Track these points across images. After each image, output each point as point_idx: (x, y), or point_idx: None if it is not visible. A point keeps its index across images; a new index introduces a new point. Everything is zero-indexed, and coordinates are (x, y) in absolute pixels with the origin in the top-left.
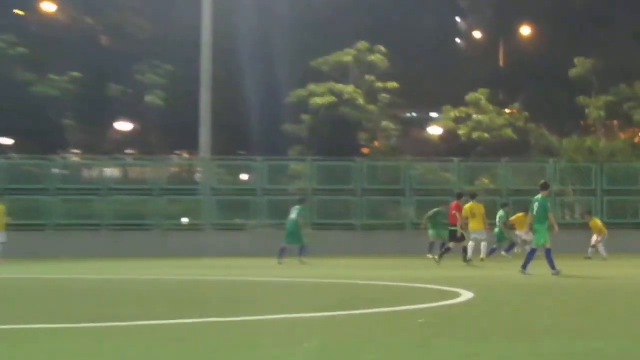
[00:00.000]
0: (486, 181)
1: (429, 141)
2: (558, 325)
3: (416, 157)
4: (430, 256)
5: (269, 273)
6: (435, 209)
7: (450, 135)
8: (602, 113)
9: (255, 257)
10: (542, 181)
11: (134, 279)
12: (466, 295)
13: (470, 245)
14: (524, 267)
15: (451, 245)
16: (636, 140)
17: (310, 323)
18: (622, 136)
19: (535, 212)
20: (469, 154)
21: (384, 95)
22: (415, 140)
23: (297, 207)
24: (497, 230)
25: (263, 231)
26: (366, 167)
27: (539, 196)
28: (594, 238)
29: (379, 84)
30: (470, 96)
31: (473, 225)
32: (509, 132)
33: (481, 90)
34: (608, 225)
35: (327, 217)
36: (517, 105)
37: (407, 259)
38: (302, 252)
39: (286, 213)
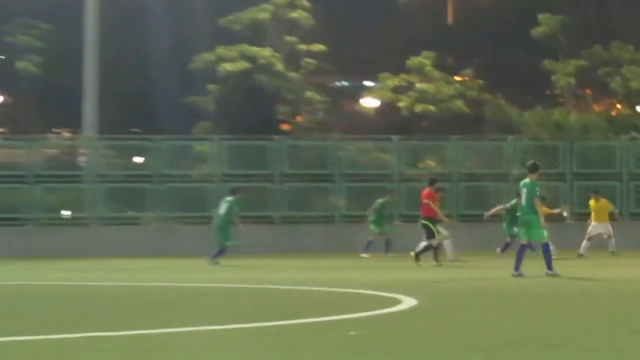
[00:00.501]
0: (432, 163)
1: (362, 115)
2: (521, 337)
3: (347, 135)
4: (365, 255)
5: (168, 277)
6: (381, 200)
7: (388, 109)
8: (572, 80)
9: (153, 257)
10: (530, 162)
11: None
12: (408, 302)
13: (447, 242)
14: (548, 268)
15: (433, 242)
16: (613, 113)
17: (217, 337)
18: (596, 108)
19: (524, 201)
20: (411, 130)
21: (307, 60)
22: (346, 114)
23: (229, 198)
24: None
25: (162, 225)
26: (286, 147)
27: (527, 180)
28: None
29: (302, 47)
30: (413, 61)
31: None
32: (459, 104)
33: (426, 53)
34: (579, 216)
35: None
36: (469, 71)
37: (337, 258)
38: (219, 253)
39: (190, 203)
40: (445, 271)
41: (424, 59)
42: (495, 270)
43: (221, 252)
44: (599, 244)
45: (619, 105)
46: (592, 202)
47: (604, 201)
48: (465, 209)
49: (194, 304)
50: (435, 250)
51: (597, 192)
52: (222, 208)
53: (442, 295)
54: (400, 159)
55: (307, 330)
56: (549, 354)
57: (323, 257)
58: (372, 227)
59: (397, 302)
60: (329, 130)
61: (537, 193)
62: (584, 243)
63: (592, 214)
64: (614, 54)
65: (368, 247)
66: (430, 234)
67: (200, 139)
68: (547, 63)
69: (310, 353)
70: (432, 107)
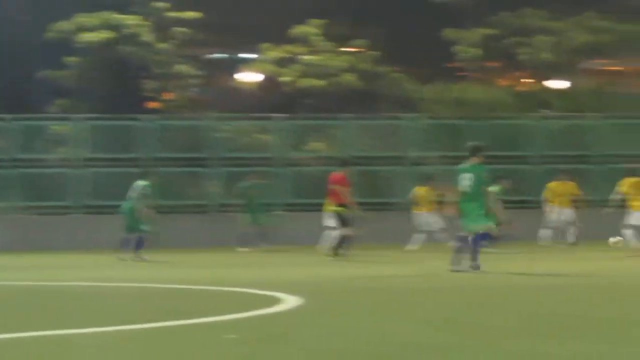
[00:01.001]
0: (319, 145)
1: (241, 92)
2: (413, 340)
3: (224, 113)
4: (242, 249)
5: (22, 276)
6: (247, 183)
7: (270, 84)
8: (477, 51)
9: (5, 253)
10: (472, 143)
11: None
12: (292, 302)
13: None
14: (473, 259)
15: (346, 232)
16: (521, 88)
17: (72, 342)
18: (503, 83)
19: (468, 187)
20: (295, 108)
21: (179, 29)
22: (222, 90)
23: (141, 183)
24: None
25: (14, 217)
26: (155, 127)
27: (471, 164)
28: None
29: (173, 14)
30: (298, 30)
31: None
32: (350, 78)
33: (312, 21)
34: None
35: (101, 197)
36: (362, 42)
37: (215, 252)
38: (139, 245)
39: (46, 191)
40: (337, 267)
41: (310, 28)
42: (397, 266)
43: (140, 243)
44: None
45: (527, 80)
46: (554, 185)
47: (570, 185)
48: (360, 196)
49: (44, 305)
50: (341, 243)
51: (565, 173)
52: (133, 192)
53: (331, 293)
54: (284, 141)
55: (177, 333)
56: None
57: (198, 251)
58: (244, 216)
59: (280, 301)
60: (203, 108)
61: (485, 178)
62: (543, 231)
63: (554, 198)
64: (527, 20)
65: (244, 239)
66: (344, 223)
67: (57, 119)
68: (449, 32)
69: (179, 359)
70: (319, 82)
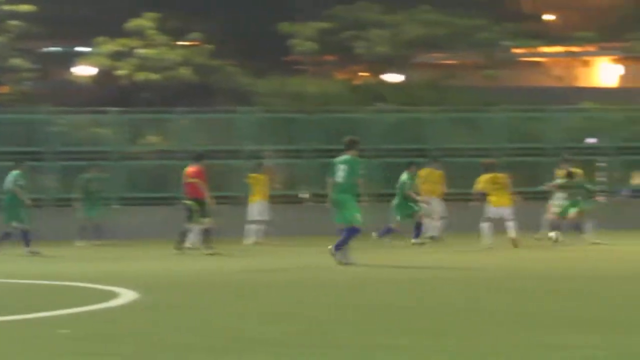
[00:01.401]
0: (155, 139)
1: (76, 85)
2: (256, 337)
3: (58, 107)
4: (80, 243)
5: None
6: (86, 175)
7: (106, 77)
8: (312, 45)
9: None
10: (349, 137)
11: None
12: (129, 296)
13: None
14: (337, 249)
15: (199, 226)
16: (357, 81)
17: None
18: (339, 76)
19: (342, 179)
20: (131, 102)
21: (13, 22)
22: (57, 84)
23: (14, 173)
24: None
25: None
26: None
27: (347, 157)
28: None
29: (7, 7)
30: (133, 23)
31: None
32: (185, 71)
33: (148, 14)
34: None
35: None
36: (197, 35)
37: (52, 246)
38: (26, 238)
39: None
40: (176, 261)
41: (145, 21)
42: (246, 260)
43: (25, 236)
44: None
45: (363, 73)
46: (425, 172)
47: (438, 173)
48: None
49: None
50: (204, 236)
51: (434, 162)
52: (9, 182)
53: (168, 288)
54: (119, 134)
55: (9, 329)
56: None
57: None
58: (80, 209)
59: (115, 295)
60: (38, 101)
61: (359, 171)
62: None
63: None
64: (360, 14)
65: (83, 233)
66: (195, 217)
67: None
68: (284, 26)
69: (9, 356)
70: (155, 76)
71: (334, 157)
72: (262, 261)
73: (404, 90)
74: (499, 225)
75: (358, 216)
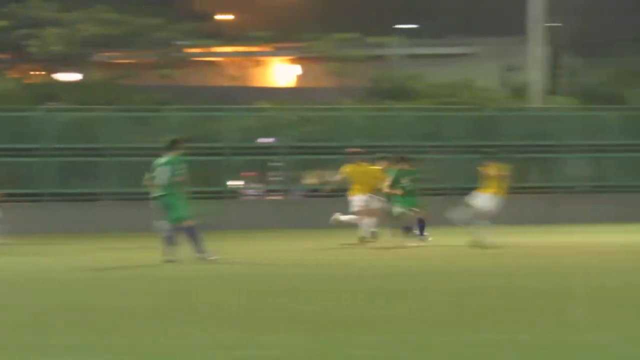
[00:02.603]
0: None
1: None
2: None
3: None
4: None
5: None
6: None
7: None
8: None
9: None
10: (171, 137)
11: None
12: None
13: None
14: (198, 252)
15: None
16: (30, 80)
17: None
18: (14, 75)
19: (165, 180)
20: None
21: None
22: None
23: None
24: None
25: None
26: None
27: (169, 158)
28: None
29: None
30: None
31: None
32: None
33: None
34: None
35: None
36: None
37: None
38: None
39: None
40: None
41: None
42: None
43: None
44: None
45: (38, 72)
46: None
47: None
48: None
49: None
50: None
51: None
52: None
53: None
54: None
55: None
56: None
57: None
58: None
59: None
60: None
61: (182, 171)
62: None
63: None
64: (34, 13)
65: None
66: None
67: None
68: None
69: None
70: None
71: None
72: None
73: (80, 89)
74: None
75: (186, 213)
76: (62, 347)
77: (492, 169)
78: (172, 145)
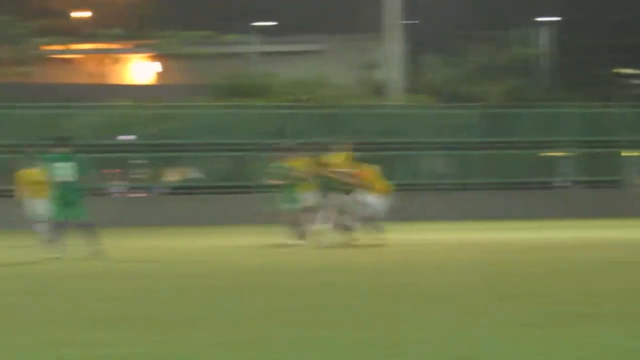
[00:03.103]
0: None
1: None
2: None
3: None
4: None
5: None
6: None
7: None
8: None
9: None
10: (61, 136)
11: None
12: None
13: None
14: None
15: None
16: None
17: None
18: None
19: (71, 177)
20: None
21: None
22: None
23: None
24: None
25: None
26: None
27: (63, 154)
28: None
29: None
30: None
31: None
32: None
33: None
34: None
35: None
36: None
37: None
38: None
39: None
40: None
41: None
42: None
43: None
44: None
45: None
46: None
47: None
48: None
49: None
50: None
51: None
52: None
53: None
54: None
55: None
56: None
57: None
58: None
59: None
60: None
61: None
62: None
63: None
64: None
65: None
66: None
67: None
68: None
69: None
70: None
71: None
72: None
73: None
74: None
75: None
76: None
77: (367, 170)
78: (63, 142)
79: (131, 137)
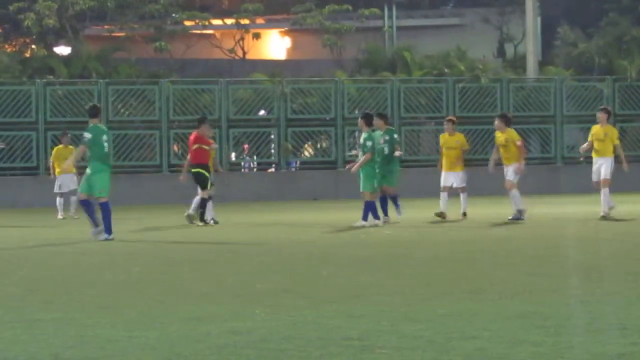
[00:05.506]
0: None
1: None
2: None
3: None
4: None
5: None
6: None
7: None
8: None
9: None
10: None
11: None
12: None
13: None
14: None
15: (205, 194)
16: (27, 54)
17: None
18: (10, 48)
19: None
20: None
21: None
22: None
23: None
24: None
25: None
26: None
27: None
28: None
29: None
30: None
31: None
32: None
33: None
34: None
35: None
36: None
37: None
38: None
39: None
40: None
41: None
42: None
43: None
44: None
45: (34, 46)
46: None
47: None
48: None
49: None
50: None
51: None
52: None
53: None
54: None
55: None
56: None
57: None
58: None
59: None
60: None
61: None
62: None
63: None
64: None
65: None
66: (203, 185)
67: None
68: None
69: None
70: None
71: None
72: None
73: (74, 63)
74: None
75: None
76: None
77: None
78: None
79: (264, 113)
